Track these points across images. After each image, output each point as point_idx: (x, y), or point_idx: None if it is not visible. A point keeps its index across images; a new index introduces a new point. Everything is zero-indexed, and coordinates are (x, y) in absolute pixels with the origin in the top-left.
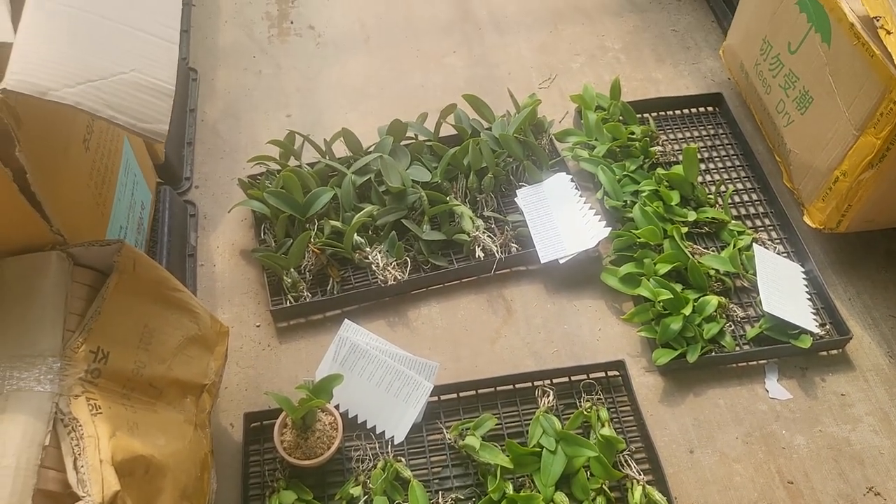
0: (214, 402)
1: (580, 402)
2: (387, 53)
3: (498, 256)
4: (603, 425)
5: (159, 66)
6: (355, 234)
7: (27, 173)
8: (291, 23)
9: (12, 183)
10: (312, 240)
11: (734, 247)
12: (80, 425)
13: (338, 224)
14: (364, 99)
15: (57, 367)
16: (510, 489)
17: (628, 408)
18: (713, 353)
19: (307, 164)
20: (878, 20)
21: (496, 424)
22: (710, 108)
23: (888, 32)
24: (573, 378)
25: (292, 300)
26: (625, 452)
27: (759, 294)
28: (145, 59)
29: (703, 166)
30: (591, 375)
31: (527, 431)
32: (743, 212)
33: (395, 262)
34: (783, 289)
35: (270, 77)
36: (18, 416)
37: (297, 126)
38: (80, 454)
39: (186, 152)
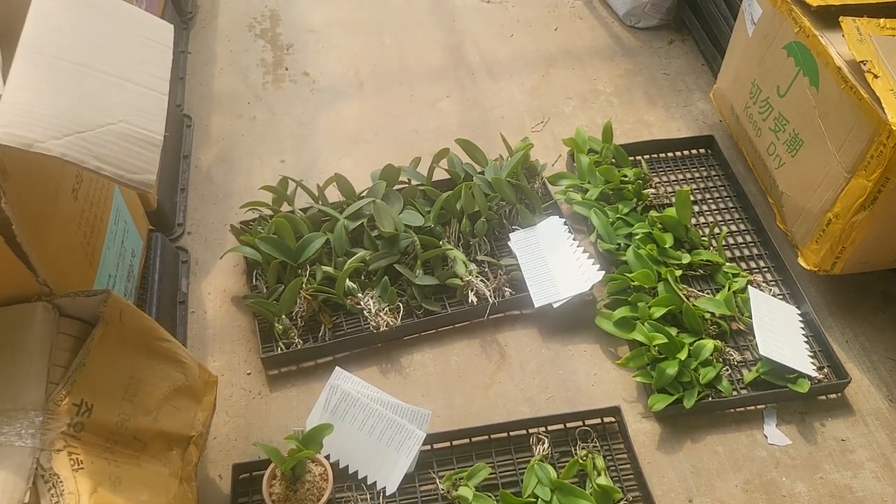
0: (202, 453)
1: (576, 449)
2: (380, 99)
3: (491, 301)
4: (599, 474)
5: (147, 116)
6: (347, 280)
7: (13, 224)
8: (286, 69)
9: None
10: (304, 286)
11: (729, 289)
12: (60, 481)
13: (330, 270)
14: (357, 144)
15: (39, 421)
16: None
17: (625, 455)
18: (710, 399)
19: (300, 210)
20: (864, 64)
21: (490, 474)
22: (702, 151)
23: (875, 76)
24: (568, 425)
25: (284, 347)
26: (622, 502)
27: (755, 337)
28: (133, 110)
29: (696, 208)
30: (587, 422)
31: (522, 481)
32: (737, 254)
33: (387, 308)
34: (779, 332)
35: (265, 123)
36: None
37: (291, 171)
38: None
39: (179, 198)
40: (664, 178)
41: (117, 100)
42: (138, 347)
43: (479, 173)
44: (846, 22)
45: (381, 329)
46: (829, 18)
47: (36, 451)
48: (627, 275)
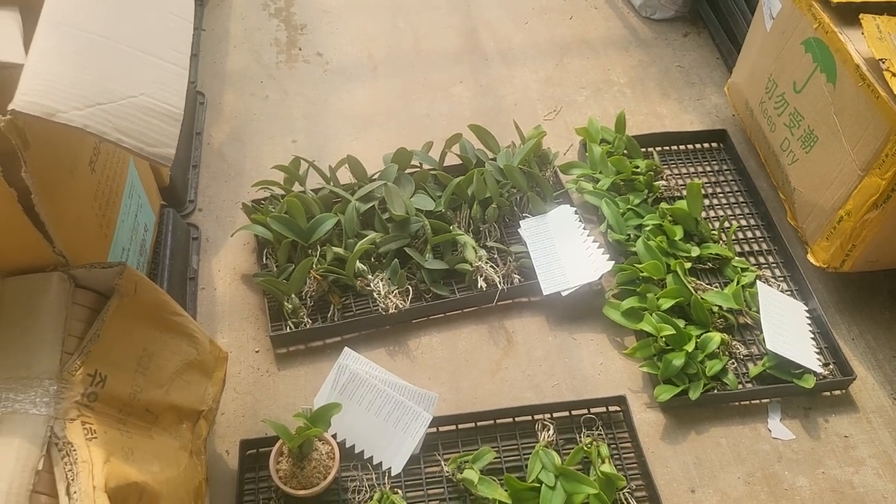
0: (211, 428)
1: (580, 437)
2: (394, 82)
3: (500, 287)
4: (603, 461)
5: (168, 90)
6: (357, 262)
7: (32, 194)
8: (300, 49)
9: (17, 204)
10: (314, 266)
11: (737, 283)
12: (74, 450)
13: (340, 251)
14: (370, 127)
15: (53, 389)
16: None
17: (629, 444)
18: (715, 391)
19: (311, 190)
20: (883, 62)
21: (495, 458)
22: (714, 144)
23: (894, 74)
24: (574, 412)
25: (292, 326)
26: (625, 490)
27: (762, 332)
28: (155, 84)
29: (706, 202)
30: (592, 410)
31: (526, 466)
32: (746, 248)
33: (396, 291)
34: (787, 327)
35: (277, 102)
36: (12, 440)
37: (303, 152)
38: (73, 480)
39: (191, 175)
40: (675, 171)
41: (138, 73)
42: (152, 320)
43: (491, 160)
44: (866, 19)
45: (390, 311)
46: (848, 15)
47: (50, 420)
48: (636, 265)
